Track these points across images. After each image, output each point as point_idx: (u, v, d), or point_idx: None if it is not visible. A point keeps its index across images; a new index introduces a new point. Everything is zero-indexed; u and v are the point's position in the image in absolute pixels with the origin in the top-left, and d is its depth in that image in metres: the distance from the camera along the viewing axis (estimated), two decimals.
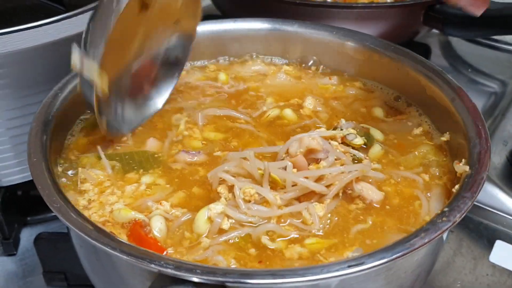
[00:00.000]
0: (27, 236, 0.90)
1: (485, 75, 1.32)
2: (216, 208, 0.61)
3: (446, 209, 0.55)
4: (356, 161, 0.68)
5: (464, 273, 0.84)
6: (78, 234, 0.53)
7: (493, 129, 1.10)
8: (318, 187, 0.62)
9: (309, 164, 0.66)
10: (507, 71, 1.32)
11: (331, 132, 0.71)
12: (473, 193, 0.57)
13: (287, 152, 0.68)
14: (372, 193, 0.65)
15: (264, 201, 0.62)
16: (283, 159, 0.67)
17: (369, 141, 0.73)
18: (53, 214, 0.89)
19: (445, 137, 0.73)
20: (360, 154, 0.69)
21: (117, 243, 0.51)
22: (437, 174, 0.69)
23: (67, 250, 0.70)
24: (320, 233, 0.61)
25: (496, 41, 1.39)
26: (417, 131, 0.77)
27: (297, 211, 0.62)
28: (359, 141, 0.70)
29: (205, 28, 0.88)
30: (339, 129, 0.73)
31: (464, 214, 0.55)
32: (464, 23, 1.11)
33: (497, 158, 1.03)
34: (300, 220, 0.62)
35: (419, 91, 0.79)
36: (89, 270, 0.65)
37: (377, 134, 0.76)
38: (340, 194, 0.65)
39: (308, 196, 0.64)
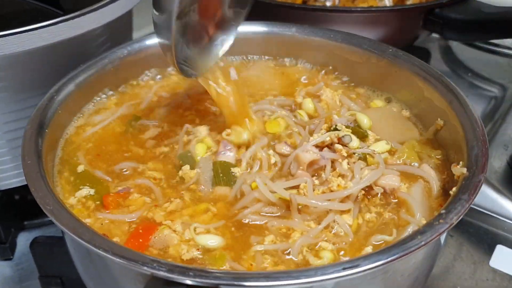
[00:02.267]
0: (24, 240, 0.90)
1: (485, 80, 1.31)
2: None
3: (443, 211, 0.55)
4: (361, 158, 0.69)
5: (464, 278, 0.83)
6: (71, 237, 0.53)
7: (493, 133, 1.09)
8: (347, 206, 0.63)
9: (313, 175, 0.67)
10: (507, 76, 1.31)
11: (324, 138, 0.70)
12: (470, 195, 0.56)
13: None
14: (392, 181, 0.66)
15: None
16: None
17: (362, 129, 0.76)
18: (49, 218, 0.90)
19: (433, 129, 0.74)
20: (368, 150, 0.70)
21: (110, 246, 0.51)
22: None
23: (63, 254, 0.70)
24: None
25: (496, 45, 1.39)
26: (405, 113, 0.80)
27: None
28: (355, 143, 0.70)
29: None
30: (334, 127, 0.73)
31: (461, 217, 0.54)
32: (464, 27, 1.11)
33: (497, 163, 1.02)
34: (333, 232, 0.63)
35: (416, 94, 0.78)
36: (83, 273, 0.65)
37: (363, 118, 0.76)
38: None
39: None
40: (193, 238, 0.60)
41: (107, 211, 0.65)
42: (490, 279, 0.83)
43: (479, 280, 0.82)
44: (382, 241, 0.61)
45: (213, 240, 0.60)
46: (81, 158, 0.73)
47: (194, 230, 0.61)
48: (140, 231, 0.61)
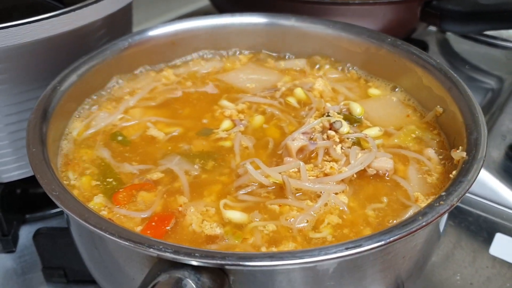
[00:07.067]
0: (26, 233, 0.90)
1: (482, 72, 1.32)
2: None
3: (443, 193, 0.56)
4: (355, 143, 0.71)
5: (464, 265, 0.84)
6: (77, 221, 0.53)
7: (491, 124, 1.10)
8: (341, 188, 0.65)
9: (307, 161, 0.69)
10: (504, 68, 1.32)
11: (313, 125, 0.72)
12: (470, 177, 0.57)
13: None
14: (385, 164, 0.68)
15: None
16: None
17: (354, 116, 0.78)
18: (52, 211, 0.90)
19: (432, 114, 0.76)
20: (360, 135, 0.72)
21: (116, 229, 0.51)
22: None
23: (66, 245, 0.71)
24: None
25: (493, 37, 1.40)
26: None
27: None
28: (345, 129, 0.72)
29: (202, 23, 0.89)
30: (326, 114, 0.75)
31: (461, 198, 0.55)
32: (461, 19, 1.12)
33: (495, 152, 1.03)
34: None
35: (416, 82, 0.79)
36: (88, 261, 0.65)
37: (356, 106, 0.78)
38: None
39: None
40: (216, 214, 0.63)
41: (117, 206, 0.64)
42: (490, 266, 0.83)
43: (478, 268, 0.83)
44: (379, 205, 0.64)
45: (239, 215, 0.63)
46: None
47: (224, 206, 0.63)
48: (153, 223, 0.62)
